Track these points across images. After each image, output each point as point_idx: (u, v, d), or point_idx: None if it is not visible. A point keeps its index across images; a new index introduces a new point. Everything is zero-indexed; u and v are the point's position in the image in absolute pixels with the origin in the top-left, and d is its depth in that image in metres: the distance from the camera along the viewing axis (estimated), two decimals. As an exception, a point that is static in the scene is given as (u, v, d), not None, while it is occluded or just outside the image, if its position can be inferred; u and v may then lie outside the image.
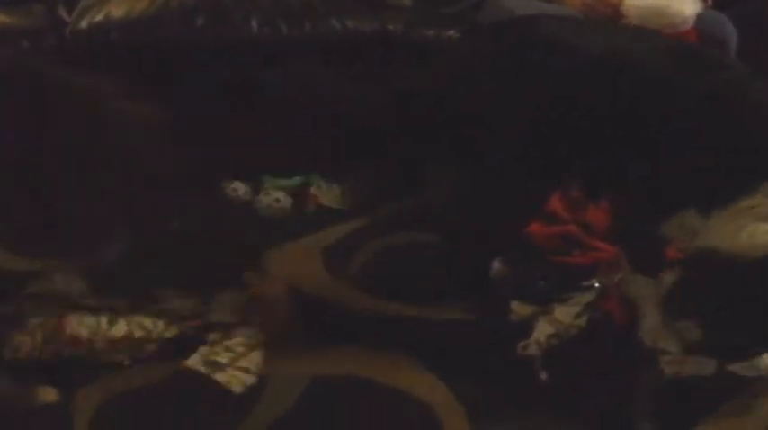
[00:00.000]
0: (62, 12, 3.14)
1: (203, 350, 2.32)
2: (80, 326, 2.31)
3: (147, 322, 2.34)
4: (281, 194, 3.02)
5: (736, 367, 2.23)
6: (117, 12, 3.11)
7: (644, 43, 2.29)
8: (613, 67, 2.19)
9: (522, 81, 2.23)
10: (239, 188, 2.99)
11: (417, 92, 2.35)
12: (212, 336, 2.35)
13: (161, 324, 2.34)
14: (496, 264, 2.50)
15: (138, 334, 2.32)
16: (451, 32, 3.15)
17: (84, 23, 3.10)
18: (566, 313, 2.43)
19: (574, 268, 2.60)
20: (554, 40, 2.25)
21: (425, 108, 2.31)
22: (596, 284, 2.51)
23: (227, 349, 2.31)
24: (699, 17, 2.81)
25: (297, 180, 3.05)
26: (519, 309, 2.46)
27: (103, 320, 2.32)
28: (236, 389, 2.23)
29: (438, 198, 2.47)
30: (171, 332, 2.35)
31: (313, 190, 3.04)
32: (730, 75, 2.20)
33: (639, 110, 2.17)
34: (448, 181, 2.38)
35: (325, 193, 3.03)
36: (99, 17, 3.10)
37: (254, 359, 2.30)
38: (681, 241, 2.24)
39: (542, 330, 2.38)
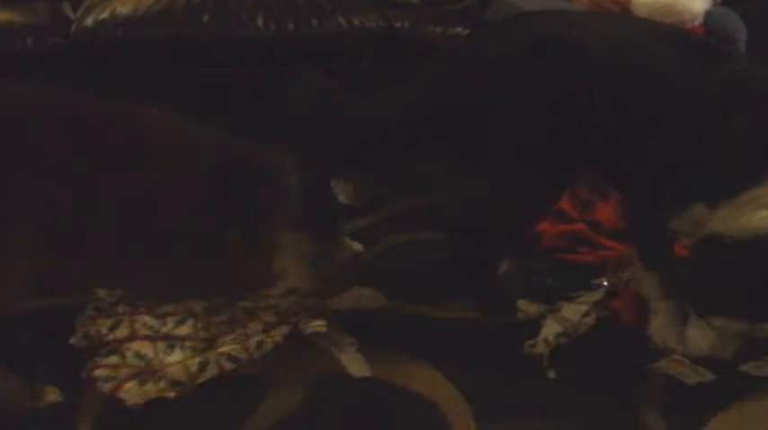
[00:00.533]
0: (67, 9, 3.14)
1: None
2: None
3: None
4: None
5: (747, 366, 2.22)
6: (122, 9, 3.11)
7: (650, 38, 2.27)
8: (620, 63, 2.18)
9: (530, 78, 2.22)
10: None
11: (424, 90, 2.34)
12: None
13: None
14: (504, 263, 2.48)
15: None
16: (458, 29, 3.14)
17: (89, 21, 3.09)
18: (574, 311, 2.42)
19: (582, 266, 2.59)
20: (560, 37, 2.24)
21: (432, 106, 2.30)
22: (605, 283, 2.50)
23: None
24: (708, 14, 2.79)
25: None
26: (527, 307, 2.45)
27: None
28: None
29: (445, 197, 2.46)
30: None
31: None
32: (735, 67, 2.18)
33: (645, 105, 2.16)
34: (455, 179, 2.37)
35: (341, 190, 3.01)
36: (104, 14, 3.10)
37: None
38: (688, 235, 2.23)
39: (550, 329, 2.36)
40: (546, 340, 2.34)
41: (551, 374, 2.25)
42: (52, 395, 2.16)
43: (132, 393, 2.18)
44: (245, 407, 2.15)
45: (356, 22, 3.15)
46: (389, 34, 3.16)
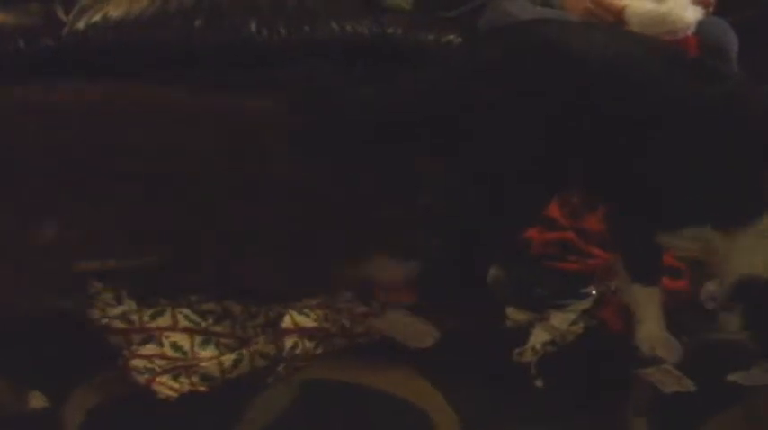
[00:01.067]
0: (59, 12, 3.13)
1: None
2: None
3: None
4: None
5: (736, 376, 2.22)
6: (115, 12, 3.10)
7: (646, 51, 2.27)
8: (615, 74, 2.18)
9: (523, 86, 2.22)
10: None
11: (416, 96, 2.34)
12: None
13: None
14: (493, 270, 2.48)
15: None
16: (452, 37, 3.14)
17: (81, 24, 3.09)
18: (562, 320, 2.41)
19: (571, 275, 2.58)
20: (555, 46, 2.24)
21: (424, 112, 2.30)
22: (593, 291, 2.50)
23: None
24: (700, 24, 2.79)
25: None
26: (515, 315, 2.44)
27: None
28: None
29: (435, 203, 2.46)
30: None
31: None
32: (729, 86, 2.18)
33: (637, 116, 2.16)
34: (445, 186, 2.37)
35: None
36: (97, 18, 3.09)
37: None
38: (689, 251, 2.22)
39: (538, 337, 2.36)
40: (534, 348, 2.33)
41: (539, 383, 2.25)
42: (37, 400, 2.15)
43: (166, 386, 2.18)
44: (235, 412, 2.15)
45: (349, 28, 3.14)
46: (383, 40, 3.15)
